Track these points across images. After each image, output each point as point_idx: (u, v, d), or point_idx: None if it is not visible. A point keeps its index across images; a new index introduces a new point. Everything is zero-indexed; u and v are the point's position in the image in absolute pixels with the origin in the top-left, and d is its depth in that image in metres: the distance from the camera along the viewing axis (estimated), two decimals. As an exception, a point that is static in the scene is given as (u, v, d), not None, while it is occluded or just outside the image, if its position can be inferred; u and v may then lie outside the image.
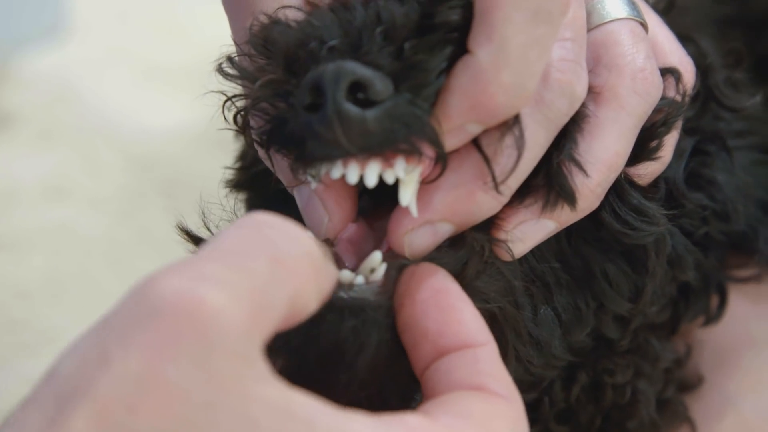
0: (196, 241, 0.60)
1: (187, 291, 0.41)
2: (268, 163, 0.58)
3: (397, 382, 0.54)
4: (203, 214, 0.60)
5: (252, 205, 0.71)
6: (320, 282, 0.48)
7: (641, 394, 0.70)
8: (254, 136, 0.56)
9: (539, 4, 0.50)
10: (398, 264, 0.54)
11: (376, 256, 0.54)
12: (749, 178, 0.70)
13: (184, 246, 0.61)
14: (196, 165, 1.39)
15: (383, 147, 0.51)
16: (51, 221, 1.35)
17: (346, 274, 0.52)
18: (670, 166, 0.65)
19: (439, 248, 0.56)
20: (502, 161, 0.54)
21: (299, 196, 0.57)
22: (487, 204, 0.55)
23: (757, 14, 0.95)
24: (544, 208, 0.57)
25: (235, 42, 0.59)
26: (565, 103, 0.55)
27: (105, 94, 1.56)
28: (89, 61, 1.63)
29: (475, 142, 0.54)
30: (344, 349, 0.51)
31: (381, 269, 0.53)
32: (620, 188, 0.61)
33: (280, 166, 0.57)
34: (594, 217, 0.60)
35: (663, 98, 0.62)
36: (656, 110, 0.61)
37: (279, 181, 0.59)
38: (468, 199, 0.54)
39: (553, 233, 0.59)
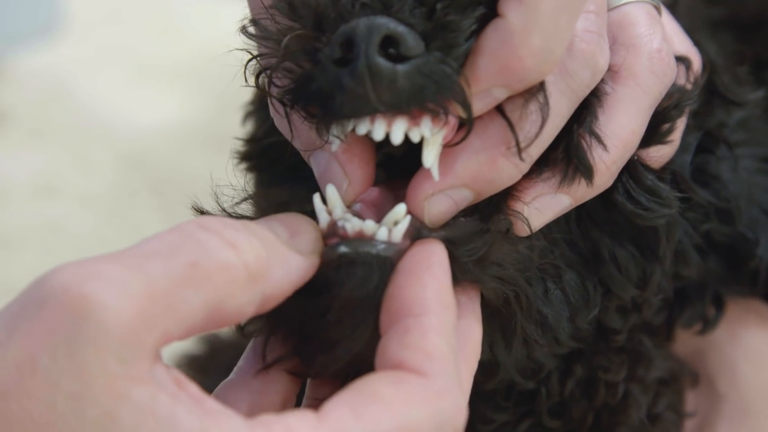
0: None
1: (74, 285, 0.42)
2: (285, 130, 0.57)
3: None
4: (216, 196, 0.58)
5: (263, 180, 0.70)
6: (261, 288, 0.47)
7: (632, 398, 0.70)
8: (276, 96, 0.55)
9: None
10: (419, 227, 0.53)
11: (401, 208, 0.53)
12: (753, 180, 0.70)
13: None
14: (188, 163, 1.39)
15: (411, 104, 0.51)
16: (42, 219, 1.34)
17: (370, 224, 0.52)
18: (677, 158, 0.65)
19: (466, 222, 0.56)
20: (526, 127, 0.53)
21: (316, 162, 0.56)
22: (507, 171, 0.54)
23: (749, 16, 0.95)
24: (561, 182, 0.57)
25: (252, 9, 0.58)
26: (588, 74, 0.55)
27: (98, 93, 1.56)
28: (83, 59, 1.62)
29: (499, 108, 0.53)
30: (356, 305, 0.51)
31: (405, 221, 0.53)
32: (633, 168, 0.61)
33: (298, 129, 0.56)
34: (604, 199, 0.60)
35: (673, 85, 0.61)
36: (667, 95, 0.61)
37: (291, 155, 0.59)
38: (490, 165, 0.54)
39: (568, 209, 0.58)
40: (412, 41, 0.50)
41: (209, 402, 0.44)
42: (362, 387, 0.46)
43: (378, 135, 0.52)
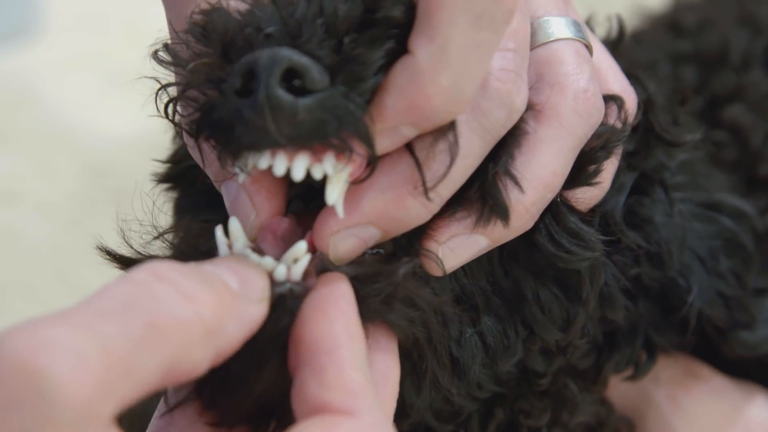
0: (119, 260, 0.57)
1: (28, 356, 0.39)
2: (196, 157, 0.56)
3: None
4: (122, 231, 0.58)
5: (180, 204, 0.69)
6: (216, 343, 0.46)
7: None
8: (183, 125, 0.54)
9: (483, 8, 0.49)
10: (321, 265, 0.52)
11: (301, 245, 0.52)
12: (689, 225, 0.68)
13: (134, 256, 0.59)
14: (150, 175, 1.37)
15: (313, 139, 0.49)
16: (1, 225, 1.32)
17: (269, 262, 0.51)
18: (608, 199, 0.63)
19: (368, 262, 0.55)
20: (434, 167, 0.52)
21: (226, 192, 0.55)
22: (416, 210, 0.53)
23: (711, 53, 0.95)
24: (477, 222, 0.55)
25: (171, 30, 0.57)
26: (503, 114, 0.53)
27: (65, 99, 1.54)
28: (53, 64, 1.60)
29: (408, 146, 0.52)
30: (254, 348, 0.49)
31: (304, 260, 0.51)
32: (556, 210, 0.59)
33: (209, 159, 0.55)
34: (528, 238, 0.59)
35: (603, 124, 0.60)
36: (596, 135, 0.59)
37: (207, 178, 0.57)
38: (397, 203, 0.52)
39: (486, 250, 0.57)
40: (316, 74, 0.49)
41: None
42: None
43: (279, 170, 0.50)
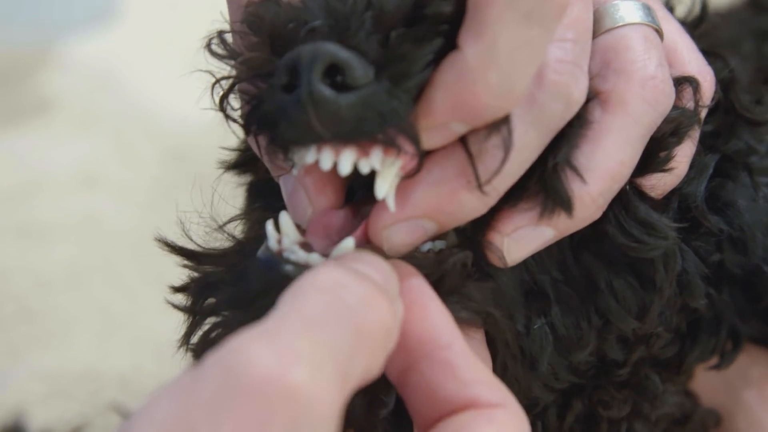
0: (179, 252, 0.59)
1: (279, 371, 0.39)
2: (256, 149, 0.56)
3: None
4: (182, 223, 0.59)
5: (252, 190, 0.69)
6: (390, 344, 0.46)
7: None
8: (237, 119, 0.55)
9: (533, 5, 0.48)
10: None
11: (348, 242, 0.51)
12: None
13: (213, 242, 0.59)
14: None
15: (357, 135, 0.49)
16: (79, 211, 1.32)
17: (315, 258, 0.51)
18: (689, 182, 0.62)
19: (428, 254, 0.55)
20: (487, 160, 0.51)
21: (284, 184, 0.56)
22: (470, 204, 0.52)
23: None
24: (541, 214, 0.55)
25: (229, 21, 0.58)
26: (560, 106, 0.53)
27: (147, 83, 1.53)
28: (134, 49, 1.60)
29: (462, 140, 0.52)
30: None
31: None
32: (625, 199, 0.58)
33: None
34: (597, 228, 0.58)
35: (675, 108, 0.59)
36: (667, 120, 0.58)
37: (268, 170, 0.58)
38: (451, 197, 0.52)
39: (552, 241, 0.56)
40: (358, 71, 0.48)
41: None
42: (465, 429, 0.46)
43: (325, 165, 0.50)
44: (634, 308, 0.60)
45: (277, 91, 0.50)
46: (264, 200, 0.64)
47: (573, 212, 0.54)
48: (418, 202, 0.52)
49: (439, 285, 0.52)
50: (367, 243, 0.53)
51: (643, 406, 0.67)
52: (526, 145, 0.52)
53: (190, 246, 0.58)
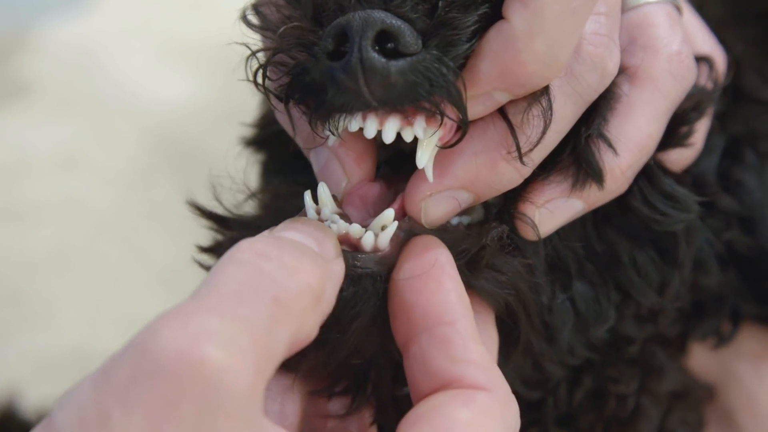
0: (209, 216, 0.58)
1: (190, 350, 0.39)
2: (285, 123, 0.55)
3: (388, 356, 0.52)
4: (214, 188, 0.59)
5: (268, 167, 0.69)
6: (322, 307, 0.47)
7: (643, 411, 0.68)
8: (273, 90, 0.54)
9: None
10: (408, 230, 0.52)
11: (389, 213, 0.52)
12: None
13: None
14: (211, 142, 1.36)
15: (404, 102, 0.50)
16: (61, 193, 1.32)
17: (356, 229, 0.51)
18: (700, 161, 0.63)
19: (458, 227, 0.55)
20: (528, 131, 0.52)
21: (316, 157, 0.56)
22: (508, 175, 0.53)
23: None
24: (573, 186, 0.55)
25: None
26: (596, 78, 0.53)
27: (125, 66, 1.53)
28: (111, 32, 1.59)
29: (501, 111, 0.52)
30: (341, 314, 0.50)
31: (392, 227, 0.52)
32: (651, 172, 0.59)
33: (298, 125, 0.55)
34: (622, 202, 0.58)
35: (694, 86, 0.60)
36: (688, 97, 0.59)
37: (296, 145, 0.58)
38: (489, 167, 0.52)
39: (581, 214, 0.57)
40: (409, 37, 0.48)
41: None
42: (437, 413, 0.45)
43: (370, 132, 0.50)
44: (655, 283, 0.61)
45: (322, 58, 0.49)
46: (282, 176, 0.64)
47: (604, 184, 0.55)
48: (457, 172, 0.52)
49: (477, 258, 0.52)
50: (404, 215, 0.53)
51: (650, 382, 0.68)
52: (563, 117, 0.53)
53: (220, 211, 0.58)
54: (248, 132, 0.70)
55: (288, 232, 0.49)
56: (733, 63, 0.65)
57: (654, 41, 0.57)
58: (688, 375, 0.72)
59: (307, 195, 0.52)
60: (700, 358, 0.72)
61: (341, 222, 0.51)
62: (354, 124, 0.51)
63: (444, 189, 0.52)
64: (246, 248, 0.45)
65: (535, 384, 0.63)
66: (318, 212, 0.52)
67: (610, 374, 0.66)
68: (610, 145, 0.55)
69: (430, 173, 0.52)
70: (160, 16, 1.64)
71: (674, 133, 0.59)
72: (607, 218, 0.60)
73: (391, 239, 0.51)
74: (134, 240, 1.24)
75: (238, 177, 0.60)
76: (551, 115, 0.52)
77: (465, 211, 0.55)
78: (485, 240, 0.53)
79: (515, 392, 0.62)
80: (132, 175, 1.35)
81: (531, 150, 0.52)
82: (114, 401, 0.39)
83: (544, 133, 0.52)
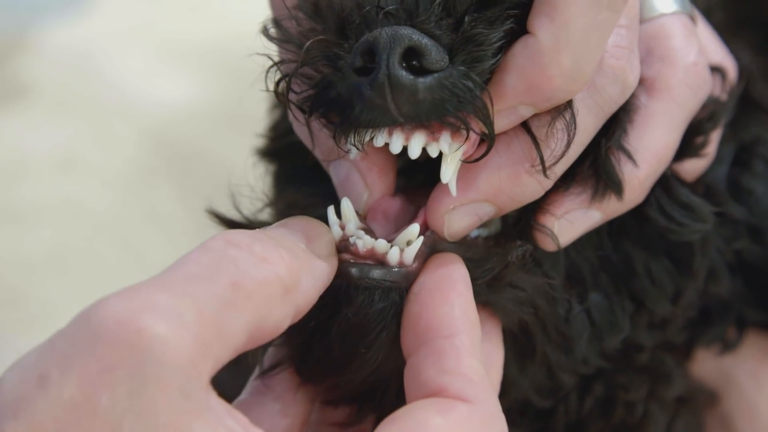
0: (228, 224, 0.58)
1: (129, 320, 0.40)
2: (304, 136, 0.55)
3: (399, 368, 0.52)
4: (233, 196, 0.59)
5: (281, 177, 0.69)
6: (294, 300, 0.46)
7: (652, 417, 0.67)
8: (296, 103, 0.53)
9: None
10: (431, 245, 0.52)
11: (414, 228, 0.52)
12: None
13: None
14: (209, 144, 1.36)
15: (431, 117, 0.49)
16: (59, 194, 1.32)
17: (382, 244, 0.51)
18: (710, 170, 0.63)
19: (480, 245, 0.55)
20: (552, 145, 0.52)
21: (336, 171, 0.56)
22: (531, 188, 0.53)
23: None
24: (592, 197, 0.55)
25: (274, 9, 0.57)
26: (617, 90, 0.53)
27: (124, 68, 1.53)
28: (110, 34, 1.59)
29: (525, 125, 0.52)
30: (365, 330, 0.50)
31: (417, 243, 0.51)
32: (667, 183, 0.59)
33: (318, 138, 0.55)
34: (638, 212, 0.58)
35: (709, 97, 0.60)
36: (702, 107, 0.59)
37: (314, 158, 0.58)
38: (513, 181, 0.52)
39: (598, 225, 0.57)
40: (435, 54, 0.48)
41: (253, 429, 0.43)
42: (409, 417, 0.45)
43: (396, 148, 0.50)
44: (670, 292, 0.61)
45: (349, 73, 0.49)
46: (295, 187, 0.64)
47: (623, 195, 0.55)
48: (481, 186, 0.52)
49: (500, 276, 0.53)
50: (427, 229, 0.53)
51: (658, 389, 0.68)
52: (584, 129, 0.53)
53: (238, 219, 0.58)
54: (260, 142, 0.69)
55: (277, 228, 0.50)
56: (744, 72, 0.65)
57: (670, 52, 0.58)
58: (692, 380, 0.72)
59: (331, 211, 0.52)
60: (702, 364, 0.72)
61: (367, 237, 0.51)
62: (380, 140, 0.51)
63: (467, 202, 0.53)
64: (219, 237, 0.46)
65: (547, 392, 0.63)
66: (342, 228, 0.52)
67: (620, 382, 0.66)
68: (630, 157, 0.55)
69: (453, 188, 0.52)
70: (158, 18, 1.64)
71: (690, 144, 0.59)
72: (622, 229, 0.60)
73: (416, 255, 0.51)
74: (132, 242, 1.24)
75: (255, 185, 0.60)
76: (575, 128, 0.52)
77: (483, 224, 0.55)
78: (511, 258, 0.53)
79: (528, 400, 0.62)
80: (130, 177, 1.35)
81: (555, 163, 0.52)
82: (54, 363, 0.40)
83: (568, 146, 0.52)
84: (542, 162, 0.52)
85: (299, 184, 0.63)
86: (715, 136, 0.61)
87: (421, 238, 0.51)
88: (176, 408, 0.40)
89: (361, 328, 0.50)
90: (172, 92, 1.47)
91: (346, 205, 0.53)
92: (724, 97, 0.61)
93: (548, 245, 0.56)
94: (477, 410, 0.46)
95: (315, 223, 0.51)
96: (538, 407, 0.64)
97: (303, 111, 0.53)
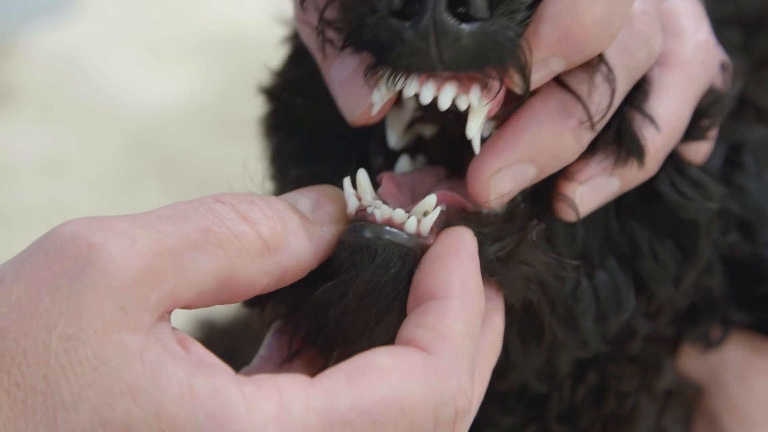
0: None
1: (83, 235, 0.42)
2: (313, 45, 0.55)
3: None
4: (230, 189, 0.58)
5: (280, 151, 0.66)
6: (278, 260, 0.46)
7: (641, 409, 0.67)
8: (327, 35, 0.53)
9: None
10: (446, 220, 0.52)
11: (431, 199, 0.51)
12: None
13: None
14: (195, 144, 1.36)
15: (471, 66, 0.49)
16: (46, 197, 1.31)
17: (399, 213, 0.50)
18: (705, 163, 0.62)
19: (492, 222, 0.54)
20: (596, 99, 0.52)
21: (338, 70, 0.54)
22: (570, 147, 0.53)
23: (753, 14, 0.93)
24: (616, 162, 0.55)
25: None
26: (645, 55, 0.54)
27: (109, 71, 1.52)
28: (95, 37, 1.59)
29: (561, 82, 0.52)
30: (382, 293, 0.49)
31: (435, 213, 0.51)
32: (678, 160, 0.59)
33: (340, 85, 0.55)
34: (644, 192, 0.58)
35: (711, 88, 0.60)
36: (708, 92, 0.59)
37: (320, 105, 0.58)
38: (555, 139, 0.52)
39: (616, 195, 0.57)
40: (480, 2, 0.48)
41: (209, 357, 0.43)
42: (361, 357, 0.44)
43: (426, 98, 0.50)
44: (673, 275, 0.61)
45: (388, 16, 0.49)
46: (299, 166, 0.63)
47: (644, 162, 0.55)
48: (524, 145, 0.52)
49: (513, 253, 0.52)
50: (445, 204, 0.52)
51: (649, 380, 0.67)
52: (617, 91, 0.53)
53: None
54: (267, 81, 0.66)
55: (288, 194, 0.50)
56: (738, 70, 0.65)
57: (683, 30, 0.58)
58: (679, 375, 0.71)
59: (347, 181, 0.51)
60: (689, 361, 0.72)
61: (385, 207, 0.50)
62: (410, 90, 0.50)
63: (512, 163, 0.52)
64: (212, 195, 0.47)
65: (545, 378, 0.63)
66: (359, 198, 0.51)
67: (612, 371, 0.66)
68: (652, 122, 0.55)
69: (477, 145, 0.52)
70: (144, 21, 1.64)
71: (696, 125, 0.59)
72: (629, 209, 0.60)
73: (432, 227, 0.51)
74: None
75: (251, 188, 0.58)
76: (614, 79, 0.52)
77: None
78: (529, 236, 0.52)
79: (525, 385, 0.62)
80: (118, 180, 1.35)
81: (603, 117, 0.52)
82: (10, 269, 0.43)
83: (612, 97, 0.52)
84: (590, 117, 0.51)
85: (300, 160, 0.63)
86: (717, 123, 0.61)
87: (439, 208, 0.51)
88: (109, 318, 0.41)
89: (379, 290, 0.49)
90: (159, 95, 1.47)
91: (362, 175, 0.52)
92: (726, 89, 0.61)
93: (568, 215, 0.56)
94: (432, 360, 0.45)
95: (328, 190, 0.51)
96: (534, 393, 0.63)
97: (336, 46, 0.52)
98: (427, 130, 0.57)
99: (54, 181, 1.34)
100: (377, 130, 0.58)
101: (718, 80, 0.61)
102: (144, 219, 0.44)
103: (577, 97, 0.52)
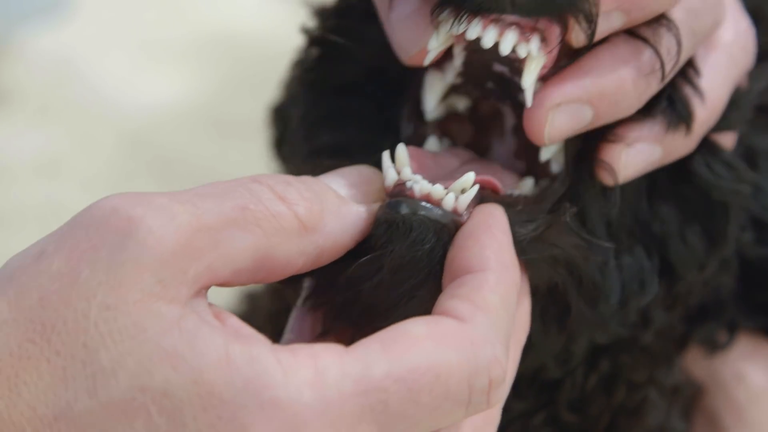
0: None
1: (123, 209, 0.43)
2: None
3: None
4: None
5: (307, 117, 0.65)
6: (315, 240, 0.47)
7: (651, 402, 0.67)
8: None
9: None
10: (481, 197, 0.52)
11: (469, 176, 0.51)
12: None
13: None
14: (189, 145, 1.36)
15: (542, 11, 0.50)
16: (42, 198, 1.31)
17: (438, 189, 0.50)
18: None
19: (521, 203, 0.54)
20: (664, 52, 0.53)
21: (401, 6, 0.55)
22: (630, 98, 0.53)
23: (749, 7, 0.93)
24: (667, 127, 0.55)
25: None
26: (711, 20, 0.54)
27: (104, 72, 1.52)
28: (91, 38, 1.59)
29: (632, 32, 0.53)
30: (417, 267, 0.49)
31: (473, 190, 0.50)
32: (711, 143, 0.59)
33: (397, 26, 0.55)
34: (677, 172, 0.59)
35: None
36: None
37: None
38: (618, 85, 0.53)
39: (657, 165, 0.57)
40: None
41: (245, 329, 0.44)
42: (396, 327, 0.44)
43: (488, 42, 0.51)
44: (700, 257, 0.61)
45: None
46: (329, 132, 0.62)
47: (693, 128, 0.55)
48: (588, 84, 0.52)
49: (544, 236, 0.52)
50: (480, 186, 0.52)
51: (659, 373, 0.67)
52: (683, 49, 0.53)
53: None
54: (316, 25, 0.65)
55: (324, 175, 0.51)
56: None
57: (725, 18, 0.59)
58: (684, 371, 0.71)
59: (386, 155, 0.51)
60: (692, 361, 0.72)
61: (424, 182, 0.50)
62: (473, 32, 0.51)
63: (572, 100, 0.53)
64: (250, 176, 0.47)
65: (561, 362, 0.62)
66: (398, 172, 0.51)
67: (625, 360, 0.65)
68: (699, 94, 0.56)
69: (530, 97, 0.52)
70: (138, 23, 1.64)
71: (728, 114, 0.60)
72: (659, 191, 0.60)
73: (470, 204, 0.51)
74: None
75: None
76: (681, 36, 0.53)
77: (522, 183, 0.56)
78: (562, 218, 0.53)
79: (539, 369, 0.61)
80: (112, 180, 1.35)
81: (674, 66, 0.53)
82: (51, 241, 0.43)
83: (678, 55, 0.53)
84: (662, 65, 0.52)
85: (325, 128, 0.62)
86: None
87: (477, 186, 0.50)
88: (148, 290, 0.42)
89: (413, 265, 0.49)
90: (153, 95, 1.47)
91: (401, 150, 0.52)
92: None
93: (608, 180, 0.56)
94: (467, 328, 0.44)
95: (364, 170, 0.51)
96: (546, 379, 0.63)
97: None
98: (461, 104, 0.57)
99: (49, 181, 1.34)
100: (411, 96, 0.58)
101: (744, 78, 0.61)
102: (183, 195, 0.44)
103: (650, 43, 0.52)
